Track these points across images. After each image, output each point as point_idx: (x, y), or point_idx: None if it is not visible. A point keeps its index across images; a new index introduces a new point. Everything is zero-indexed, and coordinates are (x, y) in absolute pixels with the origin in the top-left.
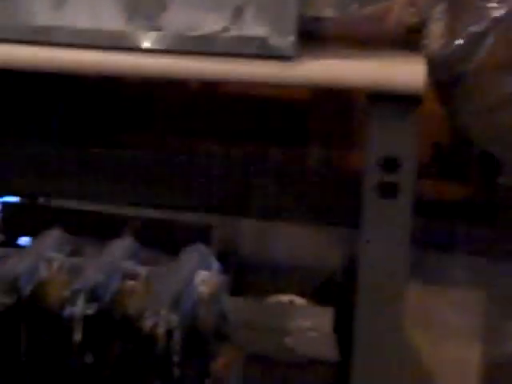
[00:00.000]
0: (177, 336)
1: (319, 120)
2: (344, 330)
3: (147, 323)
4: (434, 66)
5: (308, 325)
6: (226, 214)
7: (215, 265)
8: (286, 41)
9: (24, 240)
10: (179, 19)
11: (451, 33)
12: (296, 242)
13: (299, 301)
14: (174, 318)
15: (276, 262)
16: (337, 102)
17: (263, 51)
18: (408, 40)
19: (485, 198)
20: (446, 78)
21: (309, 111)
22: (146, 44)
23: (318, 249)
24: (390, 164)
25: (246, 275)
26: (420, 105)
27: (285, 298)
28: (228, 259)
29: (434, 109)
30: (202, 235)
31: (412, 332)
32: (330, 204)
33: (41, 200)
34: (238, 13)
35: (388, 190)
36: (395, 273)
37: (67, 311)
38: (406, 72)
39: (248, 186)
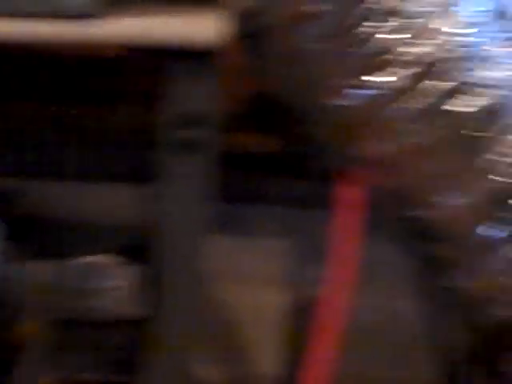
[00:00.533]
0: None
1: (128, 79)
2: (154, 287)
3: None
4: (240, 19)
5: (112, 284)
6: (35, 178)
7: None
8: None
9: None
10: None
11: None
12: (107, 202)
13: (108, 260)
14: None
15: (87, 224)
16: (146, 60)
17: (60, 10)
18: None
19: (293, 150)
20: (253, 31)
21: (117, 70)
22: None
23: (129, 207)
24: (189, 120)
25: (53, 238)
26: (217, 60)
27: (93, 258)
28: (32, 224)
29: (242, 63)
30: None
31: (220, 283)
32: (140, 162)
33: None
34: None
35: (187, 147)
36: (195, 228)
37: None
38: (198, 27)
39: (58, 149)
